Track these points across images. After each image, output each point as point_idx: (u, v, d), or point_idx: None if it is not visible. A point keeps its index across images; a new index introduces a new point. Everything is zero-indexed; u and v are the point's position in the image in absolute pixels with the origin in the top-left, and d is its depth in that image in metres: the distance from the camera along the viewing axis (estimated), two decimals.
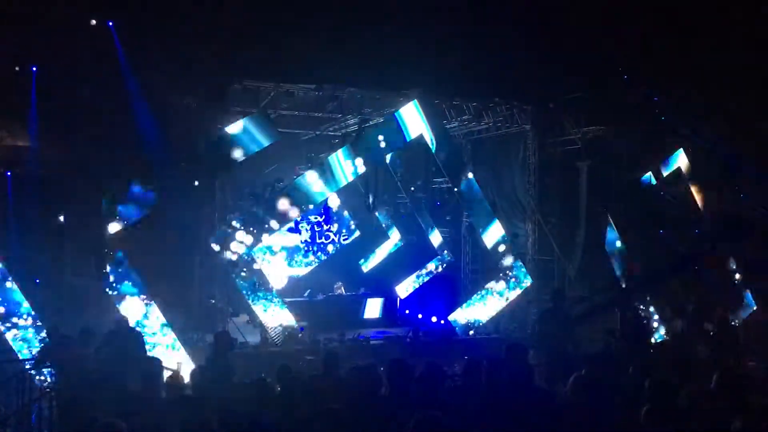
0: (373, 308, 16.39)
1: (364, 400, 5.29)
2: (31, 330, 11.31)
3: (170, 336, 11.95)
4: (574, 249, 15.44)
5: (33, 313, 11.49)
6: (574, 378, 5.96)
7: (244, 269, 13.29)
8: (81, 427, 5.21)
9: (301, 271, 17.65)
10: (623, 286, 14.09)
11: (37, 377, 9.55)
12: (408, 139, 14.24)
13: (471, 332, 14.52)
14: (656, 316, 13.17)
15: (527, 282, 14.97)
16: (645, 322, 11.07)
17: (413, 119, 14.09)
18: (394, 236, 18.47)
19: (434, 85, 14.32)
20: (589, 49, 13.64)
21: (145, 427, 4.91)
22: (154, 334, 11.79)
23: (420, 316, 16.20)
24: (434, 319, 15.66)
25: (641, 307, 12.91)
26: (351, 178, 14.10)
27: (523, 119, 15.50)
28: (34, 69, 11.81)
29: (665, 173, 15.21)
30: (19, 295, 11.54)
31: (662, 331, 12.66)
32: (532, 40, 13.76)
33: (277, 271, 16.86)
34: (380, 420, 4.99)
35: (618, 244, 14.94)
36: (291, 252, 17.83)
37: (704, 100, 13.87)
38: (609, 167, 14.97)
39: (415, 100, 14.01)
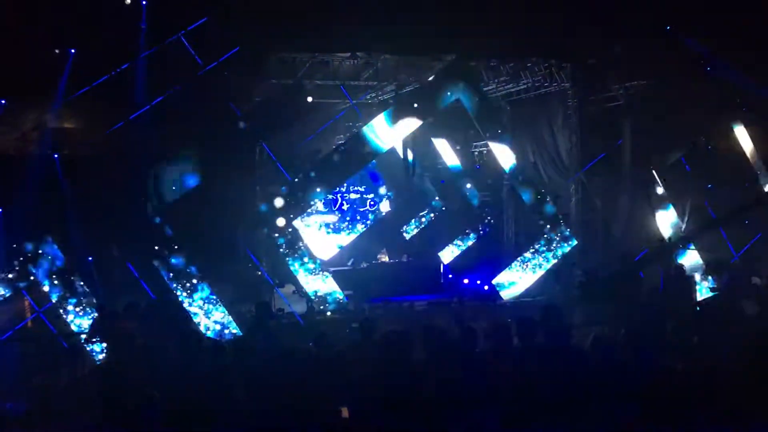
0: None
1: (395, 366, 5.37)
2: (83, 306, 11.73)
3: (219, 308, 12.24)
4: (619, 208, 15.15)
5: (86, 289, 11.90)
6: (592, 338, 5.97)
7: (289, 239, 13.48)
8: (130, 400, 5.39)
9: (345, 239, 17.78)
10: (666, 241, 13.82)
11: (89, 352, 9.93)
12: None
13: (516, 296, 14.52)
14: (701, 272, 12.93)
15: (571, 243, 14.82)
16: (689, 278, 10.85)
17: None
18: (436, 202, 18.49)
19: (470, 48, 14.10)
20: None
21: (184, 399, 5.06)
22: (201, 307, 12.09)
23: (466, 281, 16.16)
24: (478, 282, 15.61)
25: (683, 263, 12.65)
26: (392, 144, 14.16)
27: (562, 77, 15.15)
28: (72, 51, 12.01)
29: (713, 128, 14.73)
30: (73, 272, 11.96)
31: (707, 286, 12.40)
32: None
33: (322, 241, 17.05)
34: (411, 385, 5.06)
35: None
36: (334, 221, 17.98)
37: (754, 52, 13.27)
38: (654, 123, 14.55)
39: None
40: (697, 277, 12.03)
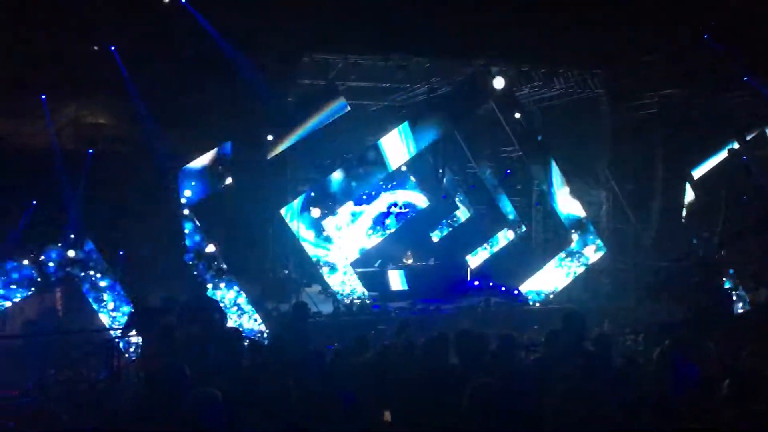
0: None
1: (436, 370, 5.36)
2: (116, 300, 11.82)
3: (248, 306, 12.29)
4: (650, 216, 15.01)
5: (118, 283, 12.00)
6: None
7: (317, 240, 13.52)
8: (168, 395, 5.37)
9: (372, 241, 17.76)
10: (702, 254, 13.64)
11: (125, 346, 9.99)
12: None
13: (540, 302, 14.42)
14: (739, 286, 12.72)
15: (601, 251, 14.70)
16: (727, 292, 10.69)
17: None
18: (465, 206, 18.45)
19: (503, 52, 14.07)
20: (665, 7, 13.07)
21: (229, 393, 5.06)
22: (230, 304, 12.14)
23: (491, 284, 16.08)
24: (503, 289, 15.53)
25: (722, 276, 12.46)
26: (418, 149, 14.16)
27: (595, 84, 15.04)
28: (113, 48, 12.11)
29: (749, 137, 14.53)
30: (105, 266, 12.05)
31: (745, 302, 12.22)
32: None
33: (349, 242, 17.04)
34: (451, 389, 5.02)
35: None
36: (362, 222, 17.96)
37: None
38: (686, 131, 14.40)
39: None
40: (733, 290, 11.85)
